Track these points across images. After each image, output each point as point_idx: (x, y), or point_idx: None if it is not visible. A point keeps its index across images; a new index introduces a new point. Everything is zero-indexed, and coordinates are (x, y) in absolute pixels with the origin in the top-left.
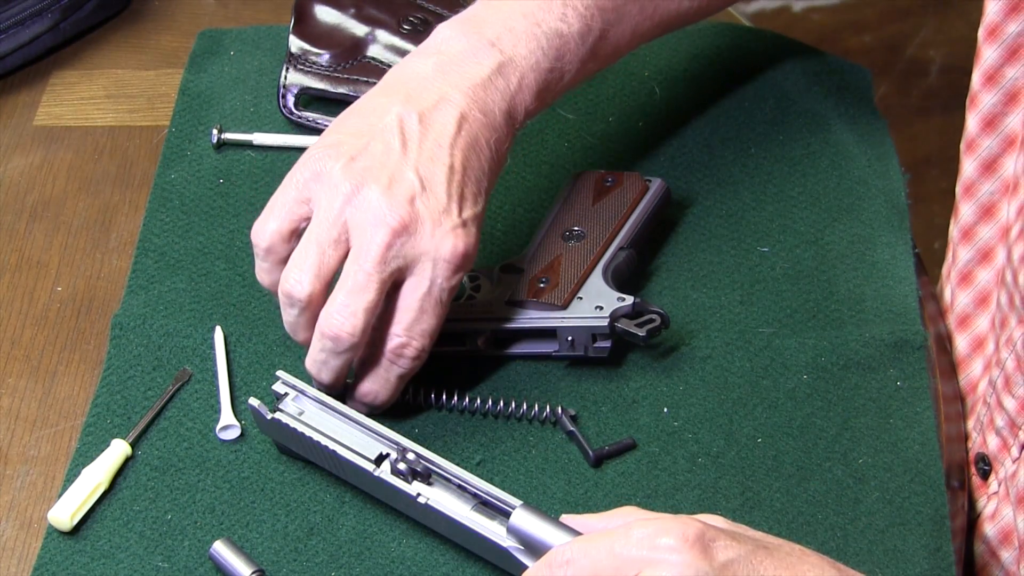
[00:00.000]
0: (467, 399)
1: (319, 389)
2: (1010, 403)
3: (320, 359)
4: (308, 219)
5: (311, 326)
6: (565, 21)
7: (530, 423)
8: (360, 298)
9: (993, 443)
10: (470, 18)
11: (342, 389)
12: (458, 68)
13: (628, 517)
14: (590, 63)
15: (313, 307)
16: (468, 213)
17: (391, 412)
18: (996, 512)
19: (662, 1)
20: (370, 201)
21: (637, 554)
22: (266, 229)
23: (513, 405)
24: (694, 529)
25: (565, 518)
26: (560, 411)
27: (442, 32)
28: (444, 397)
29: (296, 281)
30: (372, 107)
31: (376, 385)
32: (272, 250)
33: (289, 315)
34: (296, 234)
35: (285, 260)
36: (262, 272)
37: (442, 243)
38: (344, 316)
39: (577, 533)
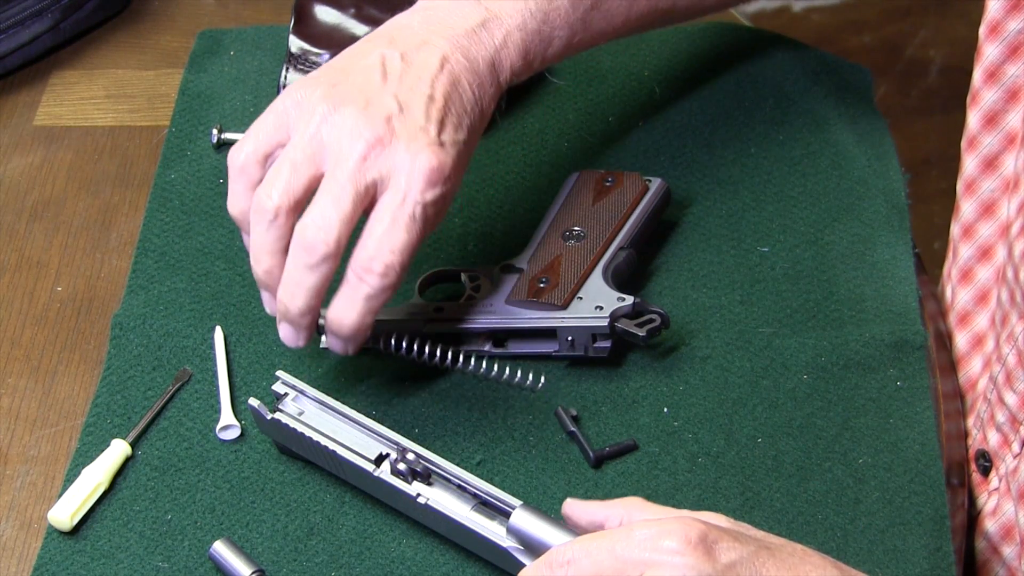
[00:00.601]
0: (441, 352)
1: (295, 324)
2: (1011, 399)
3: (294, 278)
4: (284, 146)
5: (277, 249)
6: None
7: (498, 384)
8: (335, 208)
9: (994, 439)
10: None
11: (318, 326)
12: (442, 20)
13: (632, 507)
14: (581, 33)
15: (280, 224)
16: (447, 136)
17: (391, 412)
18: (997, 508)
19: None
20: (345, 118)
21: (639, 556)
22: (241, 150)
23: (485, 365)
24: (697, 530)
25: (570, 502)
26: (529, 376)
27: None
28: (416, 347)
29: (265, 195)
30: (357, 50)
31: (342, 306)
32: (245, 170)
33: (257, 234)
34: (271, 159)
35: (256, 185)
36: (234, 196)
37: (417, 157)
38: (318, 225)
39: (576, 534)
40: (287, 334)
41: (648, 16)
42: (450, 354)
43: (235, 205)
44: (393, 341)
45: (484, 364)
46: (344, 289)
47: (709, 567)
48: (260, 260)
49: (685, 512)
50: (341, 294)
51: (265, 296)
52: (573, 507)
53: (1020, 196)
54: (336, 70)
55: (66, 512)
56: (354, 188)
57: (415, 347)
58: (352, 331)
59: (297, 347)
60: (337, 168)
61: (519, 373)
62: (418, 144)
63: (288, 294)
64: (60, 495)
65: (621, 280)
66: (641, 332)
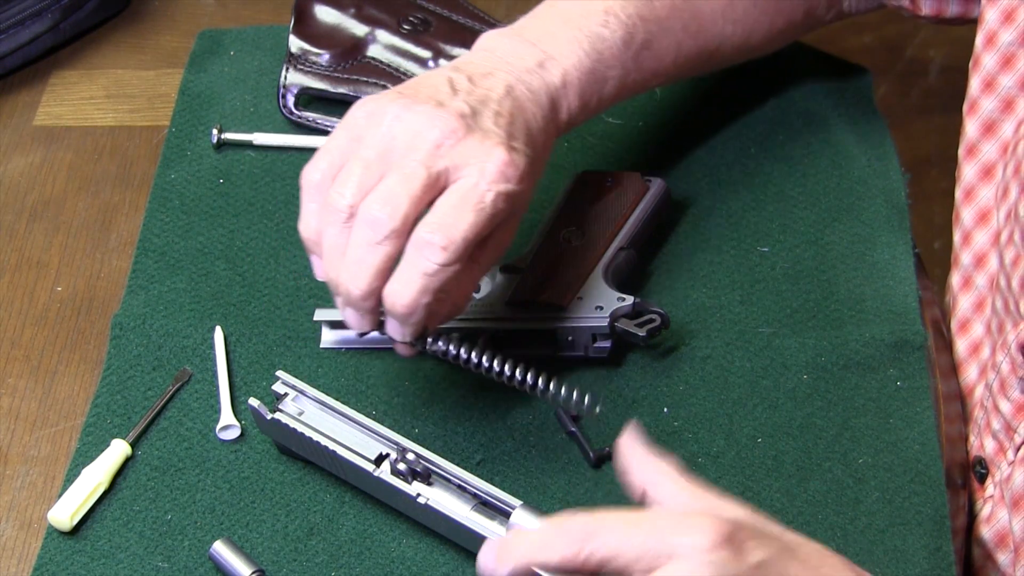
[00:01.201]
0: (493, 361)
1: (358, 307)
2: (1006, 406)
3: (356, 257)
4: None
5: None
6: (607, 27)
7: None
8: (404, 186)
9: (990, 446)
10: (512, 27)
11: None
12: (503, 58)
13: (664, 476)
14: (634, 73)
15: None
16: (517, 144)
17: (391, 412)
18: (992, 515)
19: (705, 21)
20: (418, 115)
21: (665, 549)
22: (316, 167)
23: (542, 382)
24: (725, 529)
25: (625, 445)
26: (585, 399)
27: (484, 38)
28: (468, 351)
29: (338, 195)
30: (423, 75)
31: (399, 282)
32: (321, 188)
33: (330, 236)
34: None
35: None
36: (308, 216)
37: (492, 150)
38: (384, 199)
39: None
40: (352, 318)
41: (696, 58)
42: (506, 367)
43: (308, 226)
44: (451, 347)
45: (540, 382)
46: (402, 264)
47: (734, 567)
48: (335, 264)
49: (711, 500)
50: (399, 270)
51: (338, 301)
52: (628, 449)
53: (1009, 204)
54: (404, 86)
55: (66, 512)
56: (425, 171)
57: (472, 354)
58: (407, 309)
59: (362, 330)
60: (409, 153)
61: (575, 395)
62: (492, 140)
63: (350, 275)
64: (60, 495)
65: (621, 280)
66: (641, 332)
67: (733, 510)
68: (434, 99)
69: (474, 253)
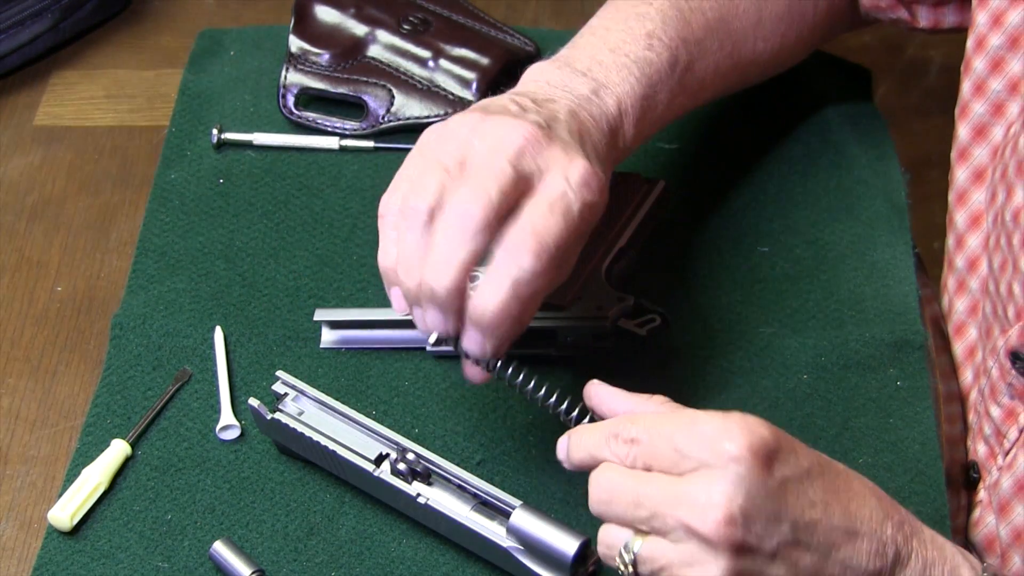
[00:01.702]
0: (564, 401)
1: (444, 306)
2: (996, 411)
3: (443, 254)
4: None
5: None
6: (652, 50)
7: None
8: (495, 182)
9: (982, 451)
10: (557, 57)
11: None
12: (559, 86)
13: (660, 406)
14: (680, 96)
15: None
16: (592, 158)
17: (391, 412)
18: (980, 519)
19: (738, 40)
20: (497, 124)
21: (698, 455)
22: (395, 193)
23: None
24: (760, 440)
25: (595, 384)
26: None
27: (533, 69)
28: (537, 386)
29: (415, 197)
30: (485, 100)
31: (488, 290)
32: (402, 215)
33: (409, 243)
34: None
35: None
36: (388, 245)
37: (574, 159)
38: (475, 196)
39: (579, 536)
40: (435, 320)
41: (730, 75)
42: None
43: (388, 256)
44: (520, 378)
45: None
46: (491, 270)
47: (763, 480)
48: (413, 269)
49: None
50: (488, 276)
51: (417, 313)
52: (597, 389)
53: (996, 208)
54: (471, 108)
55: (66, 512)
56: (513, 169)
57: (543, 390)
58: (496, 317)
59: (446, 334)
60: (493, 156)
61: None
62: (573, 151)
63: (436, 272)
64: (60, 495)
65: (621, 280)
66: (641, 332)
67: (764, 426)
68: (508, 112)
69: None
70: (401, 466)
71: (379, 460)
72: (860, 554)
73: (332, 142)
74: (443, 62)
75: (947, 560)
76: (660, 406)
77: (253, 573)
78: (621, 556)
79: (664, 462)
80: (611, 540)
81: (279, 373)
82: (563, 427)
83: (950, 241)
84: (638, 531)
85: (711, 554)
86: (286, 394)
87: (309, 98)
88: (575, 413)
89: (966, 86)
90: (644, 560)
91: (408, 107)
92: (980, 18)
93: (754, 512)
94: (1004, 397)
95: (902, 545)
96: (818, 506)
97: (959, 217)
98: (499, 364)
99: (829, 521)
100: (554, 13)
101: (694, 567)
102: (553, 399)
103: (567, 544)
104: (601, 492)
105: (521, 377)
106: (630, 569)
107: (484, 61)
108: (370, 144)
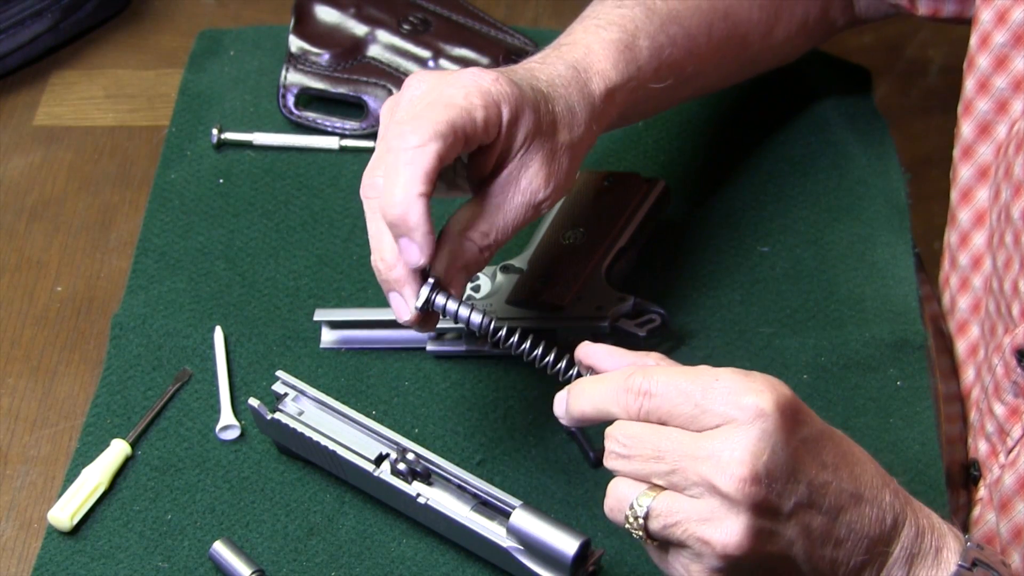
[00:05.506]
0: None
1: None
2: (999, 409)
3: (388, 186)
4: None
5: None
6: (623, 6)
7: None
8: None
9: (983, 449)
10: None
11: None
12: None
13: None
14: (668, 47)
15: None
16: (520, 80)
17: (391, 412)
18: (980, 517)
19: (732, 1)
20: (440, 72)
21: (720, 410)
22: (367, 173)
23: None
24: (785, 398)
25: (586, 344)
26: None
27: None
28: (528, 342)
29: (371, 172)
30: None
31: (386, 183)
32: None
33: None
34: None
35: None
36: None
37: (473, 70)
38: (413, 128)
39: (580, 536)
40: (409, 251)
41: (727, 42)
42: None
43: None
44: (468, 314)
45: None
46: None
47: (786, 438)
48: (415, 241)
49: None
50: (385, 172)
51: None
52: (589, 348)
53: (1000, 205)
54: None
55: (66, 512)
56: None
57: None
58: (402, 208)
59: (417, 264)
60: (421, 92)
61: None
62: (483, 72)
63: (387, 203)
64: (60, 495)
65: (621, 280)
66: (641, 332)
67: (785, 385)
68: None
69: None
70: (401, 466)
71: (379, 460)
72: (864, 518)
73: (332, 142)
74: (443, 62)
75: (934, 528)
76: (659, 362)
77: (253, 573)
78: (632, 509)
79: (681, 417)
80: (622, 494)
81: (279, 373)
82: (559, 430)
83: (953, 238)
84: (652, 486)
85: (732, 511)
86: (286, 394)
87: (309, 98)
88: (573, 371)
89: (969, 83)
90: (658, 514)
91: None
92: (984, 15)
93: (777, 471)
94: (1008, 395)
95: (899, 511)
96: (829, 468)
97: (963, 215)
98: (491, 322)
99: (839, 484)
100: (554, 13)
101: (712, 522)
102: (551, 357)
103: (567, 544)
104: (619, 446)
105: (517, 336)
106: (640, 522)
107: (484, 61)
108: (370, 144)
